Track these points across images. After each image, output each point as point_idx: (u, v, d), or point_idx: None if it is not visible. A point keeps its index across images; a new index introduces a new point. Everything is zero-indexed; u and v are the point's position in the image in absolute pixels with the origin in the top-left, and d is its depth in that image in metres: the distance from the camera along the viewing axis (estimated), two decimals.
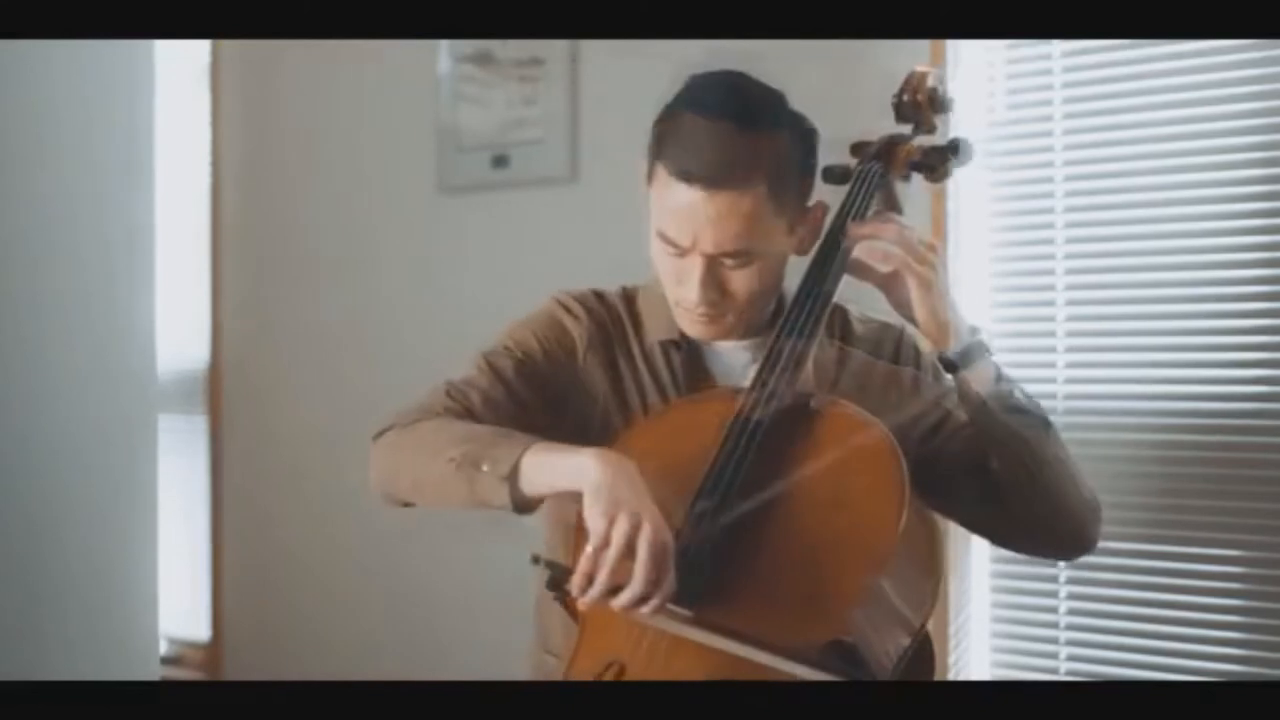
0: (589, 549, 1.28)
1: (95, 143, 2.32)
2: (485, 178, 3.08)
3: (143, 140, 2.41)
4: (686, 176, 1.42)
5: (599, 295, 1.62)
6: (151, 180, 2.43)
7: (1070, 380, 2.41)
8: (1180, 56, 2.29)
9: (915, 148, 1.59)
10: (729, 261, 1.45)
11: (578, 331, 1.58)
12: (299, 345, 3.41)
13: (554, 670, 1.51)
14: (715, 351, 1.57)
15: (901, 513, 1.32)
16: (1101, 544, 1.57)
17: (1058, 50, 2.40)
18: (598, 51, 2.89)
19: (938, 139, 1.63)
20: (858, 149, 1.62)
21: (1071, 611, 2.40)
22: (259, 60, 3.45)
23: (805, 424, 1.42)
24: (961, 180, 2.43)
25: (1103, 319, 2.39)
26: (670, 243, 1.46)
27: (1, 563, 2.14)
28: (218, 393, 3.54)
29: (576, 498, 1.32)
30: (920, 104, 1.61)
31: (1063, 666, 2.41)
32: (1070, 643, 2.40)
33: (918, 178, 1.60)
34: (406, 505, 1.51)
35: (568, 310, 1.59)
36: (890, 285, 1.48)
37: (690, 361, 1.56)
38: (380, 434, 1.51)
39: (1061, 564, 2.38)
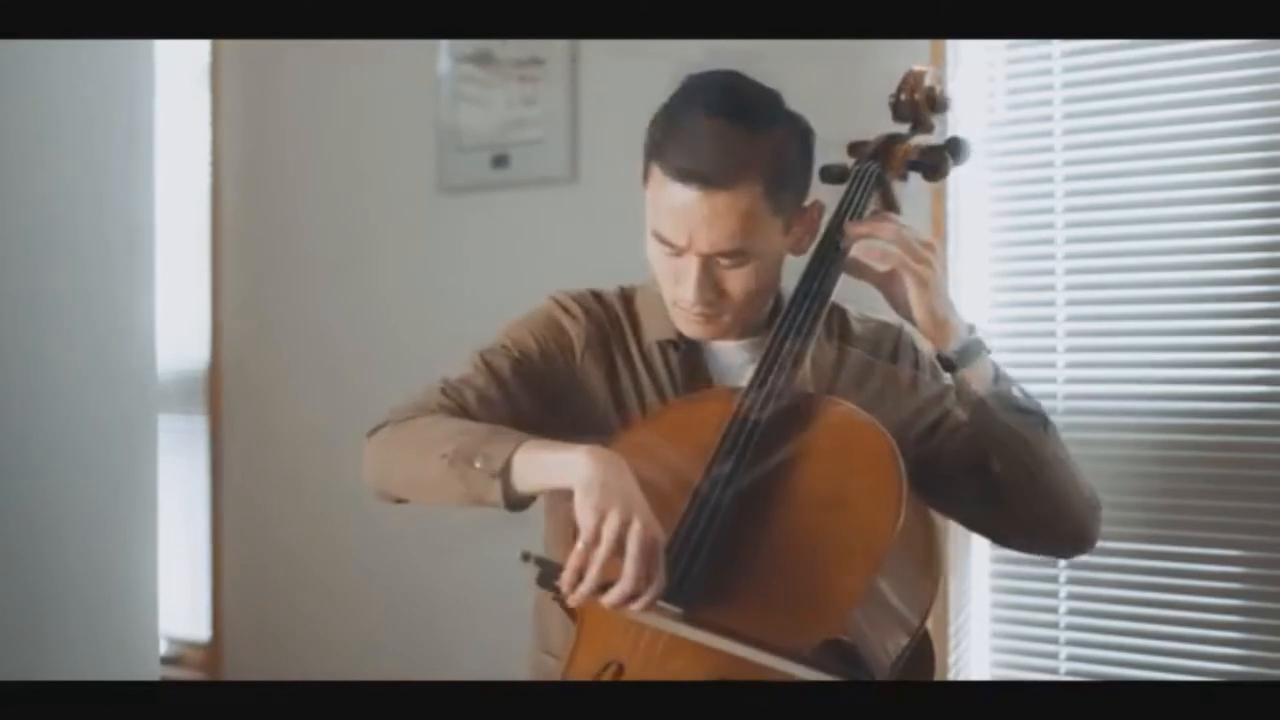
0: (579, 545, 1.28)
1: (95, 143, 2.32)
2: (485, 178, 3.08)
3: (143, 140, 2.41)
4: (682, 176, 1.42)
5: (597, 295, 1.62)
6: (151, 180, 2.43)
7: (1070, 380, 2.41)
8: (1180, 56, 2.29)
9: (913, 147, 1.59)
10: (725, 261, 1.45)
11: (576, 331, 1.58)
12: (299, 345, 3.42)
13: (553, 670, 1.51)
14: (713, 351, 1.57)
15: (899, 512, 1.32)
16: (1101, 544, 1.57)
17: (1058, 50, 2.41)
18: (598, 51, 2.89)
19: (935, 138, 1.63)
20: (855, 148, 1.62)
21: (1071, 611, 2.40)
22: (259, 60, 3.45)
23: (803, 423, 1.42)
24: (961, 180, 2.44)
25: (1103, 319, 2.39)
26: (666, 243, 1.46)
27: (1, 563, 2.14)
28: (218, 393, 3.54)
29: (570, 495, 1.32)
30: (918, 103, 1.61)
31: (1063, 666, 2.41)
32: (1070, 643, 2.40)
33: (916, 177, 1.60)
34: (400, 502, 1.51)
35: (566, 310, 1.59)
36: (888, 284, 1.48)
37: (688, 361, 1.56)
38: (374, 431, 1.51)
39: (1061, 564, 2.39)
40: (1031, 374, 2.35)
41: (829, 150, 1.58)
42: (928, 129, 1.63)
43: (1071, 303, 2.42)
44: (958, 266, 2.45)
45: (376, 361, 3.20)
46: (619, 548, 1.26)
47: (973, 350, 1.48)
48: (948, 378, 1.52)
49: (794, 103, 1.51)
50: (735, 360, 1.56)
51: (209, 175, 3.56)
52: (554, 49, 2.95)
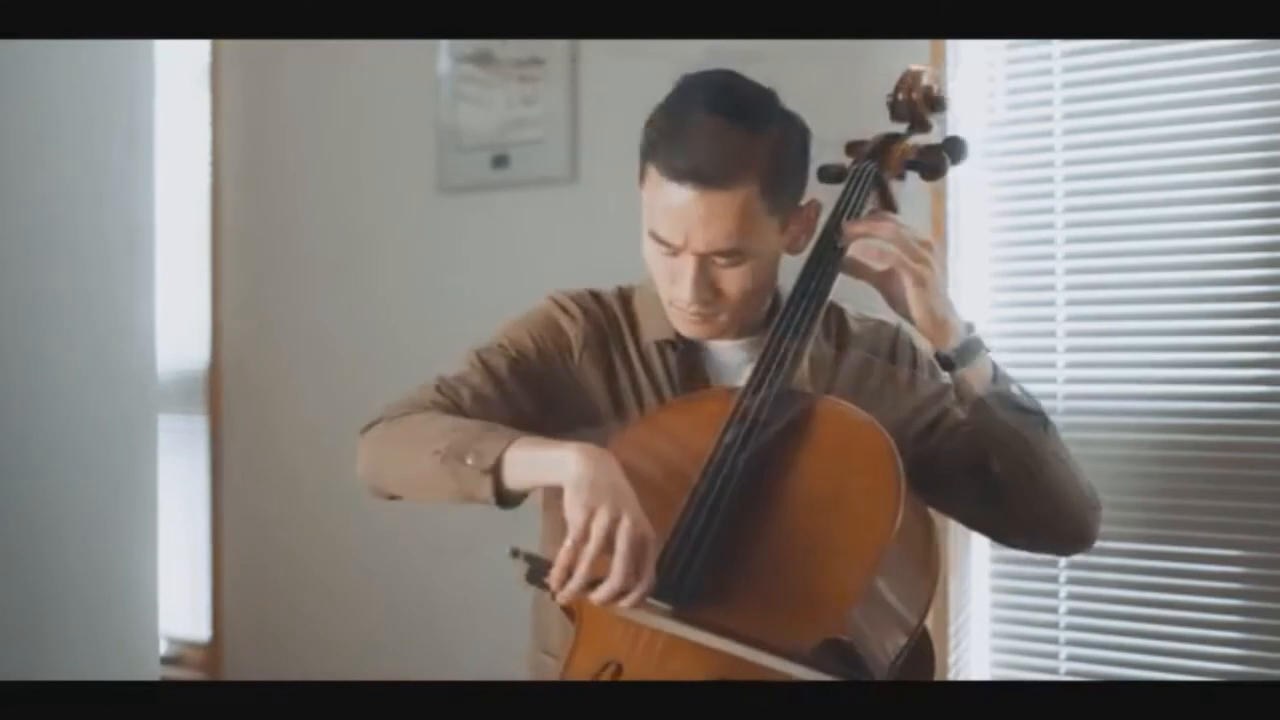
0: (567, 542, 1.28)
1: (95, 143, 2.33)
2: (485, 178, 3.08)
3: (143, 140, 2.41)
4: (677, 175, 1.42)
5: (595, 295, 1.62)
6: (151, 180, 2.44)
7: (1070, 380, 2.41)
8: (1180, 56, 2.29)
9: (910, 146, 1.59)
10: (721, 260, 1.45)
11: (574, 331, 1.58)
12: (299, 345, 3.42)
13: (552, 670, 1.51)
14: (711, 351, 1.57)
15: (898, 511, 1.32)
16: (1101, 544, 1.57)
17: (1058, 50, 2.40)
18: (598, 51, 2.89)
19: (933, 138, 1.63)
20: (853, 148, 1.62)
21: (1071, 611, 2.40)
22: (259, 60, 3.45)
23: (801, 423, 1.41)
24: (961, 180, 2.44)
25: (1103, 319, 2.39)
26: (662, 242, 1.46)
27: (1, 563, 2.14)
28: (218, 393, 3.54)
29: (562, 492, 1.32)
30: (915, 102, 1.61)
31: (1063, 666, 2.41)
32: (1070, 643, 2.40)
33: (913, 177, 1.60)
34: (393, 498, 1.52)
35: (564, 310, 1.59)
36: (886, 283, 1.48)
37: (686, 361, 1.56)
38: (368, 427, 1.51)
39: (1061, 564, 2.39)
40: (1031, 374, 2.35)
41: (827, 150, 1.58)
42: (925, 128, 1.63)
43: (1071, 303, 2.41)
44: (958, 266, 2.45)
45: (376, 361, 3.20)
46: (608, 545, 1.27)
47: (971, 349, 1.48)
48: (946, 376, 1.52)
49: (793, 103, 1.51)
50: (733, 360, 1.56)
51: (209, 175, 3.56)
52: (554, 49, 2.95)
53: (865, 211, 1.54)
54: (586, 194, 2.94)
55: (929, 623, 1.41)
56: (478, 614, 2.94)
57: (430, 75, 3.15)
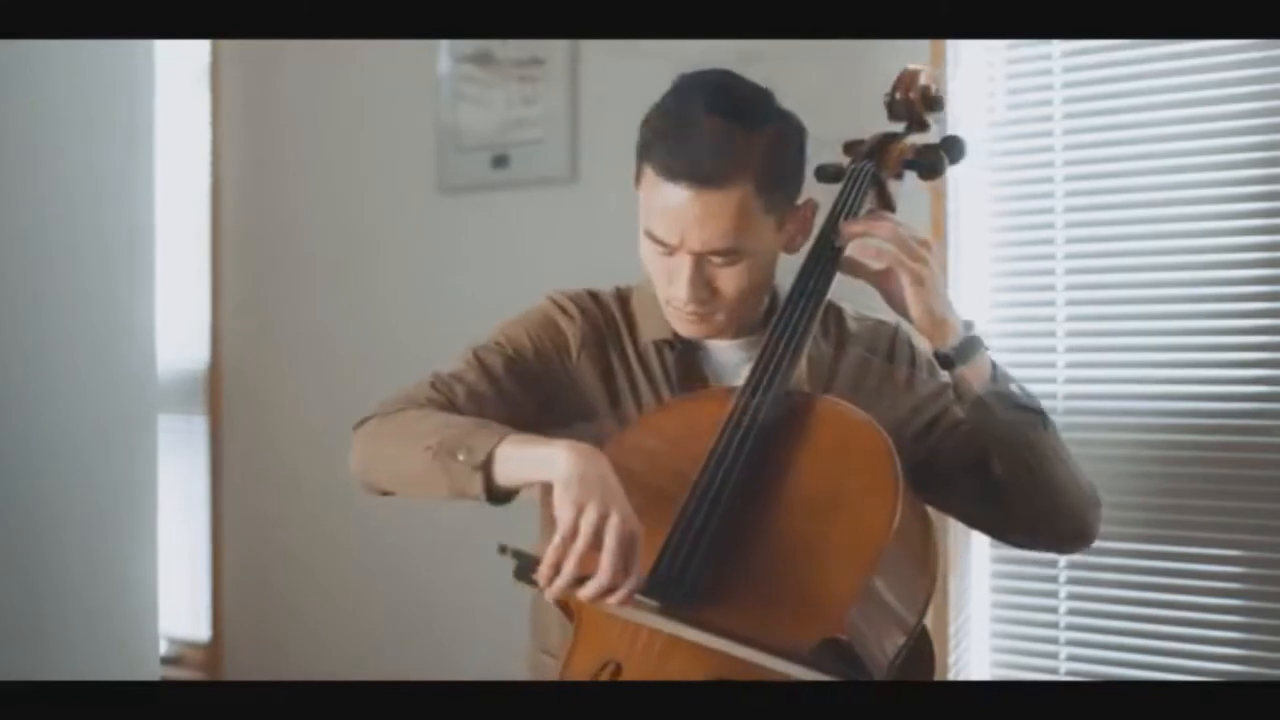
0: (556, 539, 1.28)
1: (95, 143, 2.33)
2: (485, 178, 3.08)
3: (143, 140, 2.41)
4: (673, 175, 1.42)
5: (593, 295, 1.62)
6: (151, 180, 2.44)
7: (1070, 380, 2.41)
8: (1180, 56, 2.29)
9: (908, 146, 1.59)
10: (717, 259, 1.45)
11: (572, 331, 1.58)
12: (298, 346, 3.42)
13: (551, 670, 1.51)
14: (709, 351, 1.57)
15: (896, 511, 1.32)
16: (1101, 544, 1.57)
17: (1058, 50, 2.40)
18: (598, 51, 2.89)
19: (931, 137, 1.63)
20: (851, 148, 1.62)
21: (1071, 611, 2.39)
22: (259, 60, 3.45)
23: (800, 422, 1.41)
24: (961, 180, 2.43)
25: (1103, 319, 2.38)
26: (658, 242, 1.46)
27: (1, 563, 2.14)
28: (217, 393, 3.54)
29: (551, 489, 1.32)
30: (913, 102, 1.61)
31: (1063, 666, 2.40)
32: (1070, 643, 2.40)
33: (911, 176, 1.60)
34: (386, 494, 1.52)
35: (562, 310, 1.59)
36: (884, 282, 1.48)
37: (684, 361, 1.56)
38: (362, 422, 1.52)
39: (1061, 563, 2.39)
40: (1031, 374, 2.34)
41: (825, 150, 1.58)
42: (923, 128, 1.63)
43: (1071, 303, 2.41)
44: (958, 266, 2.45)
45: (376, 362, 3.20)
46: (596, 541, 1.27)
47: (970, 347, 1.48)
48: (945, 375, 1.52)
49: (791, 102, 1.50)
50: (731, 359, 1.56)
51: (209, 175, 3.56)
52: (554, 49, 2.95)
53: (863, 211, 1.53)
54: (586, 194, 2.94)
55: (929, 622, 1.41)
56: (477, 614, 2.93)
57: (430, 75, 3.15)
